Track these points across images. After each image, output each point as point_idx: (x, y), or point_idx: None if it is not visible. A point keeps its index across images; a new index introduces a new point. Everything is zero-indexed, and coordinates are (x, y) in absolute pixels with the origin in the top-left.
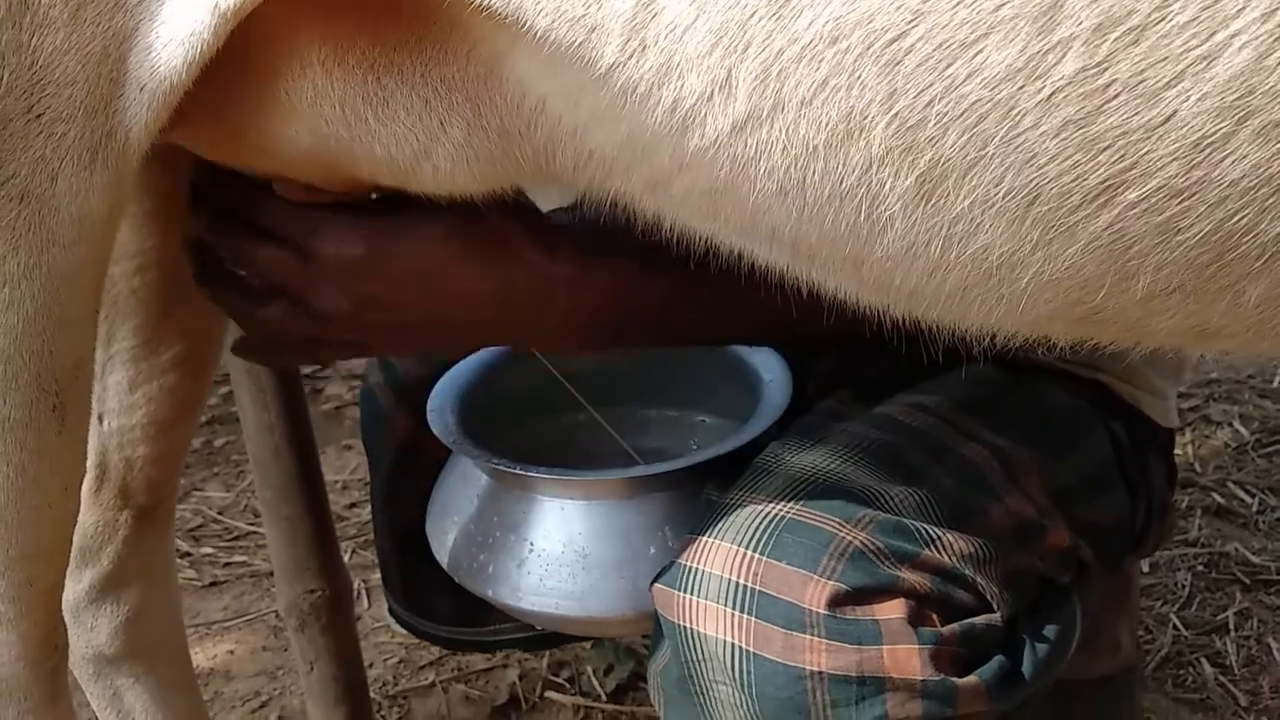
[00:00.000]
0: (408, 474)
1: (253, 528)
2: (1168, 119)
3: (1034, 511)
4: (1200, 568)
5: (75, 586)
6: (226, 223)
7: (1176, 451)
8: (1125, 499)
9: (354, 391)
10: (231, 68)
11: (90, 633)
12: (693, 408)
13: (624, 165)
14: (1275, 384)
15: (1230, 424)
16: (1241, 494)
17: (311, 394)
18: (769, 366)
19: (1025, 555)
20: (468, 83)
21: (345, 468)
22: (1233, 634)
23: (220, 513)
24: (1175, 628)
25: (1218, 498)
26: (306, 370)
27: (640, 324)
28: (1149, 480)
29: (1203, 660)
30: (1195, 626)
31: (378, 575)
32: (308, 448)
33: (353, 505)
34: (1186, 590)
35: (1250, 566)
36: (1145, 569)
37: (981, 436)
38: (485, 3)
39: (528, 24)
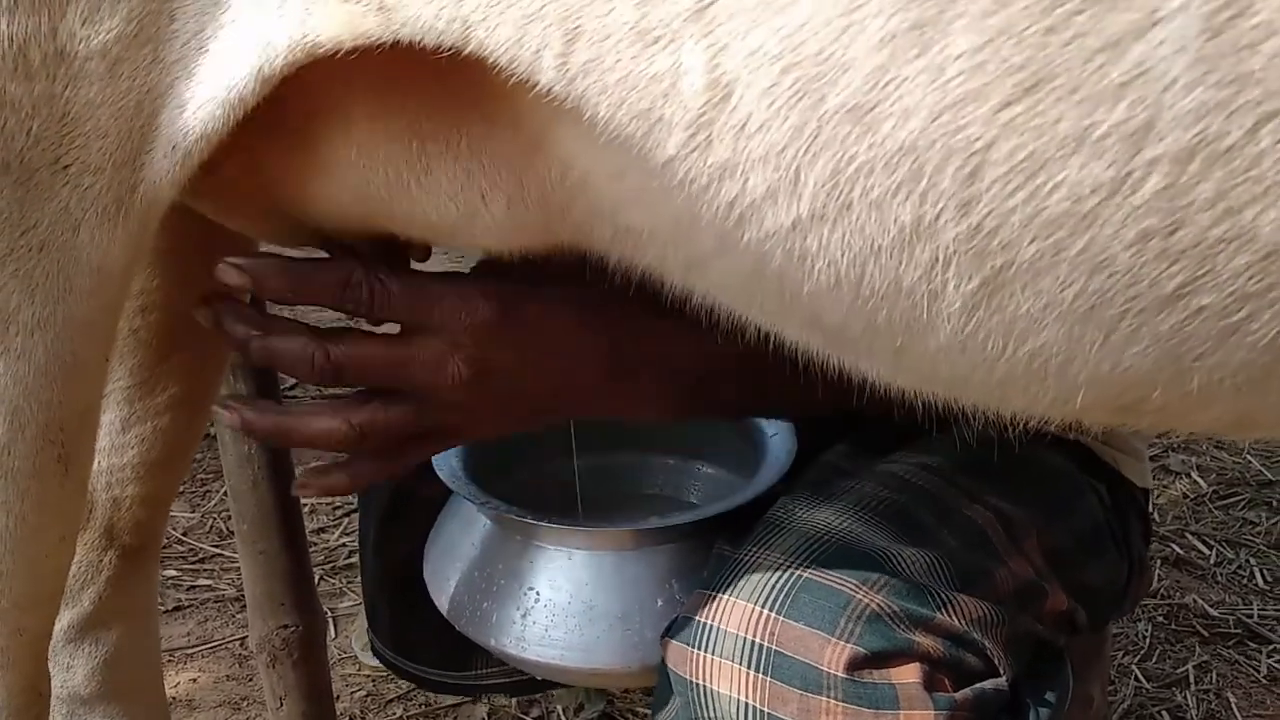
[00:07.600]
0: (402, 516)
1: (218, 550)
2: (1246, 231)
3: (1034, 574)
4: (1160, 619)
5: (54, 626)
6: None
7: None
8: (1115, 560)
9: None
10: (271, 123)
11: (66, 673)
12: (692, 457)
13: (661, 243)
14: None
15: (1188, 474)
16: (1200, 545)
17: None
18: (770, 419)
19: (1027, 619)
20: (512, 156)
21: None
22: (1193, 687)
23: (185, 534)
24: (1137, 679)
25: (1177, 548)
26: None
27: (720, 389)
28: (1130, 540)
29: (1164, 714)
30: (1156, 679)
31: (345, 604)
32: (287, 480)
33: (320, 530)
34: (1147, 641)
35: (1208, 619)
36: None
37: (984, 498)
38: (546, 88)
39: (589, 113)
